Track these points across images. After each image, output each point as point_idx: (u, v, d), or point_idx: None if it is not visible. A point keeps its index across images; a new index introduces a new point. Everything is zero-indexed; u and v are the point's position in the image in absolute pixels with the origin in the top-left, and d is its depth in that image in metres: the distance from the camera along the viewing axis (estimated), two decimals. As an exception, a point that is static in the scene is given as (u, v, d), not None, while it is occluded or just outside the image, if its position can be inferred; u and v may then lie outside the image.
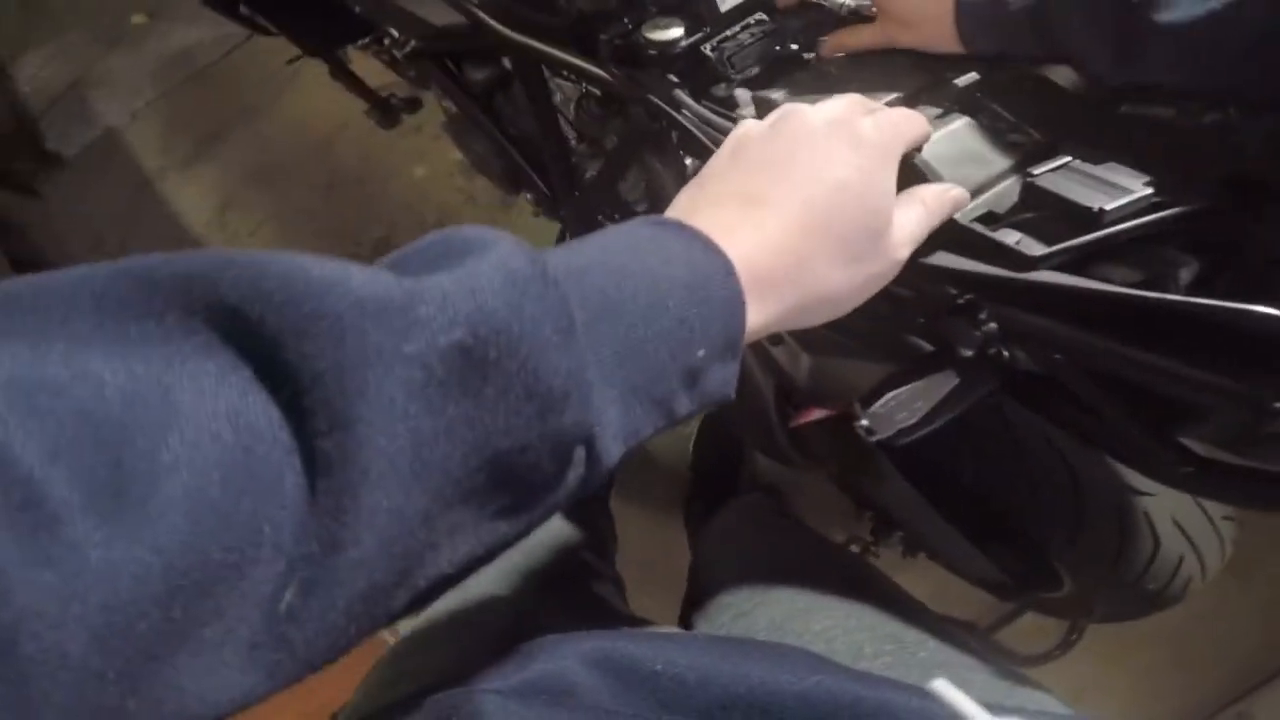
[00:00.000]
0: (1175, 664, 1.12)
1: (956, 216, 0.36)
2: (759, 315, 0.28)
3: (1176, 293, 0.33)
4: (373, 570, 0.17)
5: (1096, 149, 0.38)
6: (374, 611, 0.18)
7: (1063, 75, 0.42)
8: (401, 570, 0.18)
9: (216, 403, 0.15)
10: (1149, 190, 0.34)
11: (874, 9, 0.45)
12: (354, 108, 1.10)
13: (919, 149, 0.37)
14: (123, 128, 2.13)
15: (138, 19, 2.36)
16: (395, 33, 0.77)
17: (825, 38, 0.48)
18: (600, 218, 0.73)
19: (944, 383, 0.38)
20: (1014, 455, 0.58)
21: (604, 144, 0.66)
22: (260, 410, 0.16)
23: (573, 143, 0.71)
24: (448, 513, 0.19)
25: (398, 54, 0.77)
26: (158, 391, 0.15)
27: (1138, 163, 0.36)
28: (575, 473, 0.22)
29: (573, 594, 0.54)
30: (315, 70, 1.16)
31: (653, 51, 0.49)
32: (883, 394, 0.38)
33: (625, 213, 0.74)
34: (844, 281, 0.30)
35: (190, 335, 0.16)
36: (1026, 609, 0.99)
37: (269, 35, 0.99)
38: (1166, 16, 0.31)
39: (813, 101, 0.35)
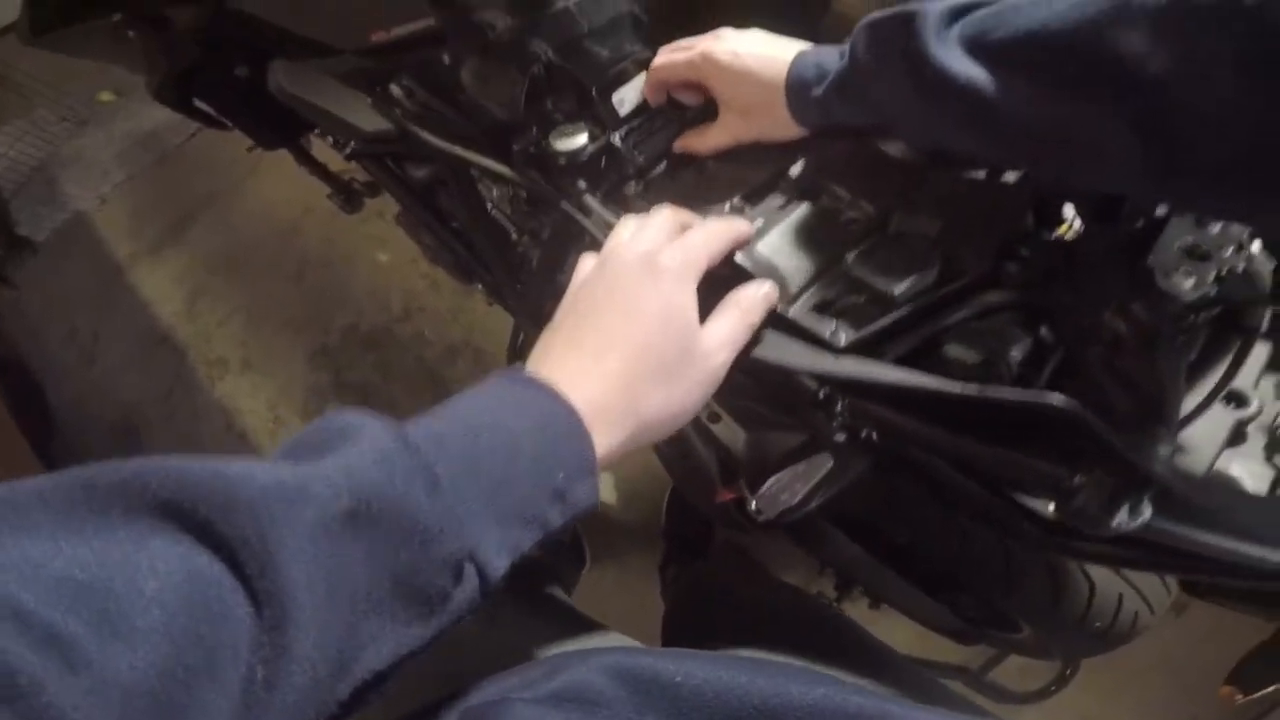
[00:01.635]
0: (1177, 693, 1.13)
1: (789, 311, 0.43)
2: (606, 440, 0.35)
3: (1008, 372, 0.38)
4: (315, 667, 0.23)
5: (917, 216, 0.45)
6: (324, 698, 0.24)
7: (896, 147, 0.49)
8: (338, 667, 0.25)
9: (170, 560, 0.21)
10: (936, 266, 0.40)
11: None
12: (317, 191, 1.17)
13: (742, 246, 0.44)
14: (91, 211, 2.21)
15: (105, 96, 2.47)
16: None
17: (680, 141, 0.55)
18: (545, 307, 0.78)
19: (820, 465, 0.44)
20: (940, 512, 0.62)
21: (541, 235, 0.72)
22: (206, 563, 0.22)
23: (513, 235, 0.77)
24: (365, 622, 0.25)
25: (340, 154, 0.84)
26: (121, 556, 0.20)
27: (945, 228, 0.43)
28: (470, 584, 0.29)
29: (524, 589, 0.61)
30: (277, 154, 1.23)
31: (561, 161, 0.55)
32: (766, 478, 0.44)
33: None
34: (670, 398, 0.37)
35: (135, 521, 0.22)
36: (1007, 650, 1.02)
37: (224, 130, 1.05)
38: (944, 61, 0.37)
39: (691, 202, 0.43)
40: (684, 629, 0.76)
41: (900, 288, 0.40)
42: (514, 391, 0.34)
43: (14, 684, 0.16)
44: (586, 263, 0.44)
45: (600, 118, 0.55)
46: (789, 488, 0.47)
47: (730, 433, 0.61)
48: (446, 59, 0.58)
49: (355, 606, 0.25)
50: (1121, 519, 0.33)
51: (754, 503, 0.48)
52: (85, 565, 0.20)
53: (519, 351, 1.21)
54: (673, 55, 0.52)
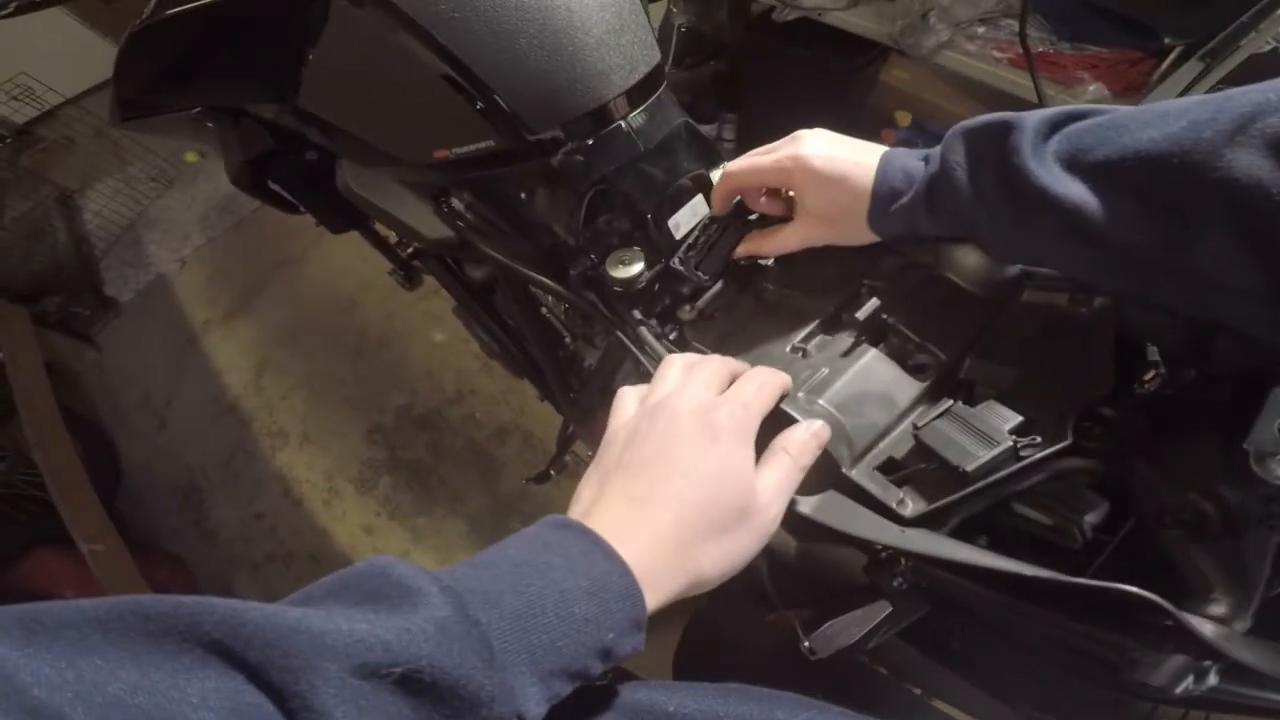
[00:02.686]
0: None
1: (853, 472, 0.41)
2: (657, 598, 0.34)
3: (1081, 536, 0.36)
4: None
5: (991, 364, 0.43)
6: None
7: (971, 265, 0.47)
8: None
9: (220, 696, 0.22)
10: (1010, 441, 0.38)
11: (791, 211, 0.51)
12: (378, 266, 1.21)
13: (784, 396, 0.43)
14: (171, 274, 2.38)
15: (191, 156, 2.70)
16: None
17: (749, 242, 0.55)
18: (599, 412, 0.78)
19: (878, 611, 0.42)
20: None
21: (594, 341, 0.72)
22: (255, 698, 0.23)
23: (566, 339, 0.77)
24: None
25: (401, 253, 0.88)
26: (172, 686, 0.21)
27: (1022, 379, 0.41)
28: None
29: None
30: (340, 226, 1.31)
31: (617, 288, 0.55)
32: (822, 622, 0.42)
33: None
34: (719, 555, 0.37)
35: (187, 653, 0.23)
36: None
37: (296, 213, 1.12)
38: (1044, 178, 0.36)
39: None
40: (693, 668, 0.75)
41: (973, 464, 0.38)
42: (567, 545, 0.34)
43: None
44: (628, 401, 0.44)
45: (655, 242, 0.56)
46: (845, 631, 0.45)
47: (782, 540, 0.59)
48: (507, 179, 0.59)
49: None
50: (1186, 686, 0.31)
51: (807, 642, 0.46)
52: (137, 690, 0.21)
53: (569, 440, 1.21)
54: (756, 159, 0.51)
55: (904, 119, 1.64)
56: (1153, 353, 0.40)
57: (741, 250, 0.55)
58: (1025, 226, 0.38)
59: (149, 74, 0.61)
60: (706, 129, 1.89)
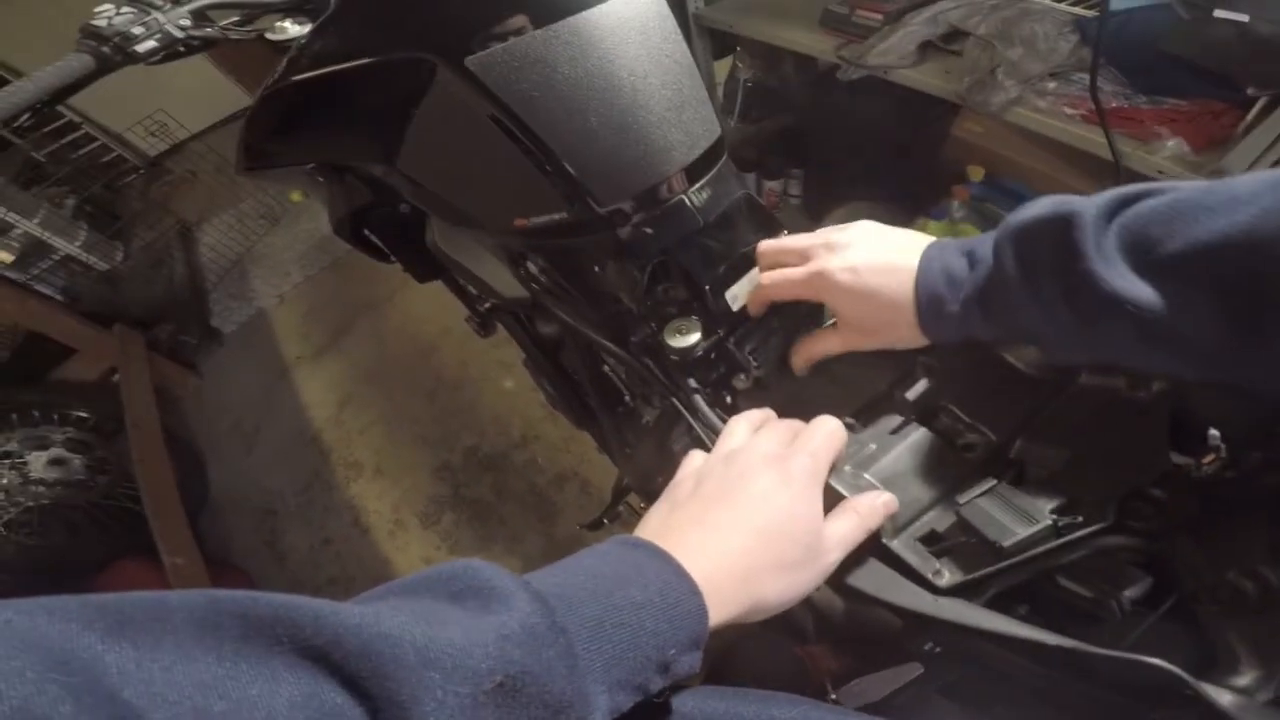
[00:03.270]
0: None
1: (893, 542, 0.42)
2: (717, 616, 0.35)
3: (1120, 610, 0.37)
4: None
5: (1042, 446, 0.43)
6: None
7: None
8: None
9: (312, 702, 0.22)
10: (1051, 519, 0.39)
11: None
12: (456, 312, 1.29)
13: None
14: (271, 309, 2.58)
15: (296, 196, 2.92)
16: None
17: (795, 348, 0.55)
18: (653, 469, 0.81)
19: (909, 671, 0.43)
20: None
21: (651, 401, 0.75)
22: (348, 706, 0.23)
23: (626, 397, 0.81)
24: None
25: (479, 306, 0.94)
26: (260, 693, 0.21)
27: (1072, 462, 0.42)
28: None
29: None
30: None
31: (674, 356, 0.58)
32: (851, 679, 0.44)
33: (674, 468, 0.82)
34: (783, 587, 0.38)
35: (279, 656, 0.23)
36: None
37: (389, 263, 1.21)
38: (1114, 282, 0.34)
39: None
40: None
41: (1010, 540, 0.39)
42: (640, 561, 0.35)
43: None
44: (695, 458, 0.46)
45: (713, 313, 0.58)
46: (873, 688, 0.46)
47: (829, 601, 0.59)
48: (577, 247, 0.64)
49: None
50: None
51: (834, 694, 0.47)
52: (224, 695, 0.21)
53: (623, 491, 1.23)
54: (783, 273, 0.51)
55: (976, 174, 1.61)
56: (1214, 438, 0.38)
57: (797, 365, 0.56)
58: (1096, 332, 0.36)
59: (272, 131, 0.68)
60: (773, 185, 1.92)
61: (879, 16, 1.36)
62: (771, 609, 0.39)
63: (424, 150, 0.65)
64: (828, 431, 0.45)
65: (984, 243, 0.41)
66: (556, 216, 0.59)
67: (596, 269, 0.63)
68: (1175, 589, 0.38)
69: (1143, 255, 0.33)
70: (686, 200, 0.59)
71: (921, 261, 0.44)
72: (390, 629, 0.25)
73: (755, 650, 0.79)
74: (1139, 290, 0.33)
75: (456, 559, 0.31)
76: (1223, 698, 0.31)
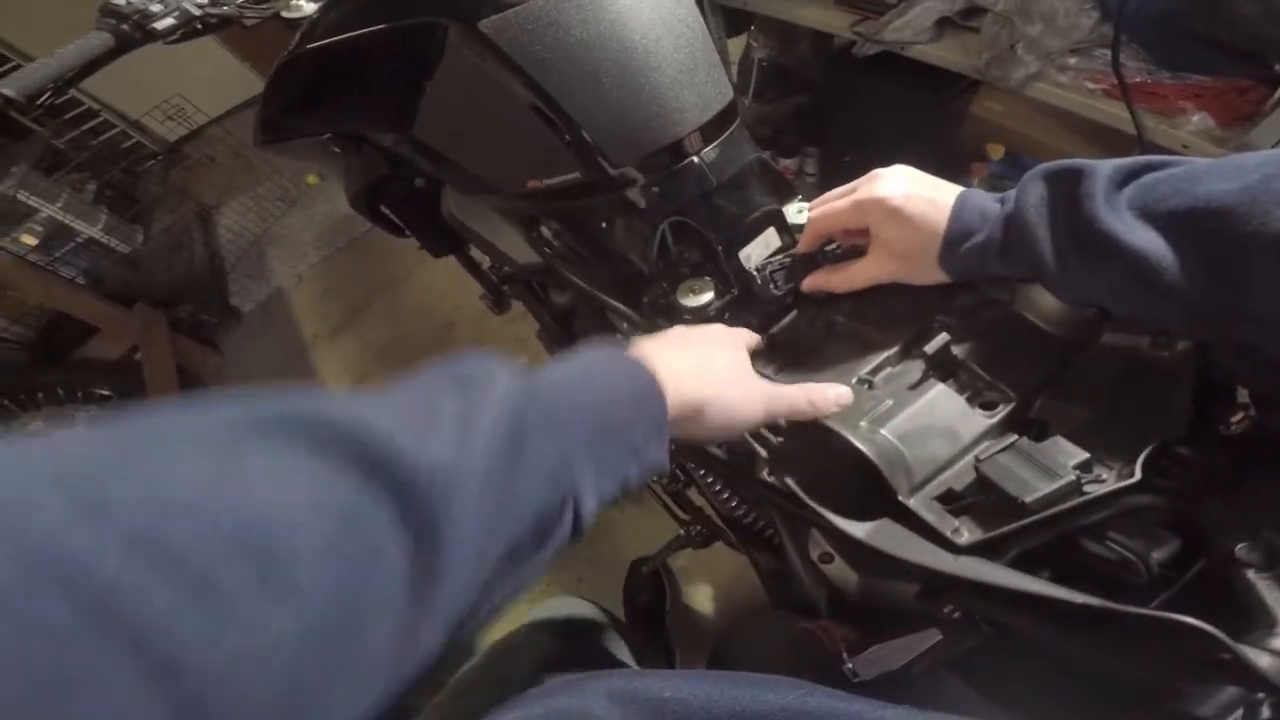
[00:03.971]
0: None
1: (910, 500, 0.42)
2: (673, 406, 0.41)
3: (1148, 573, 0.36)
4: (452, 621, 0.27)
5: (1065, 404, 0.43)
6: (474, 614, 0.29)
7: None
8: (469, 616, 0.29)
9: (335, 504, 0.23)
10: (1074, 475, 0.38)
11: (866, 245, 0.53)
12: (471, 290, 1.30)
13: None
14: (289, 289, 2.62)
15: (312, 179, 2.98)
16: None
17: (814, 275, 0.57)
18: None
19: (927, 638, 0.42)
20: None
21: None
22: (373, 504, 0.24)
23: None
24: (499, 575, 0.30)
25: (494, 276, 0.96)
26: (285, 499, 0.22)
27: (1094, 421, 0.41)
28: (565, 526, 0.33)
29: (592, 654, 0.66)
30: (441, 250, 1.42)
31: (687, 316, 0.59)
32: (868, 646, 0.44)
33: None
34: (724, 399, 0.45)
35: (306, 452, 0.23)
36: None
37: (404, 237, 1.23)
38: (1115, 225, 0.37)
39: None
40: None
41: (1032, 496, 0.38)
42: (619, 360, 0.42)
43: (169, 649, 0.18)
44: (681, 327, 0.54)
45: (726, 274, 0.59)
46: (891, 655, 0.45)
47: (843, 575, 0.60)
48: (590, 209, 0.65)
49: (496, 560, 0.29)
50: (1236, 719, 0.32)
51: (850, 663, 0.47)
52: (251, 503, 0.21)
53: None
54: (834, 203, 0.54)
55: (996, 151, 1.60)
56: (1242, 395, 0.39)
57: (809, 283, 0.57)
58: (1092, 271, 0.39)
59: (289, 102, 0.70)
60: (788, 163, 1.91)
61: (896, -8, 1.35)
62: (714, 417, 0.44)
63: (438, 115, 0.66)
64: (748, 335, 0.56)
65: (1013, 190, 0.44)
66: (570, 177, 0.60)
67: (609, 230, 0.64)
68: (1204, 553, 0.37)
69: (1147, 208, 0.37)
70: (699, 161, 0.60)
71: (960, 196, 0.48)
72: (406, 441, 0.26)
73: (756, 632, 0.80)
74: (1135, 234, 0.36)
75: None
76: (1261, 660, 0.29)
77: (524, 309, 1.73)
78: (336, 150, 0.87)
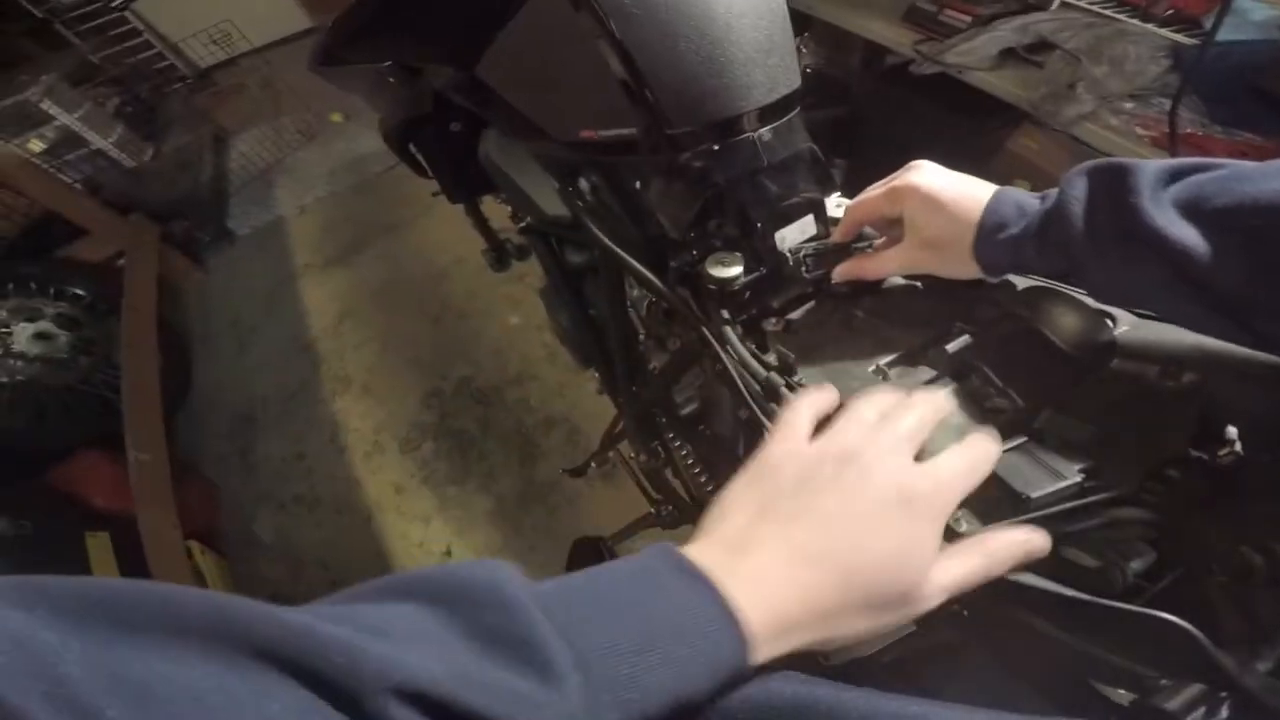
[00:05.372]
0: None
1: None
2: (771, 653, 0.32)
3: (1123, 581, 0.38)
4: None
5: (1069, 418, 0.45)
6: None
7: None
8: None
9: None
10: (1079, 478, 0.40)
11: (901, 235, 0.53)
12: (473, 243, 1.31)
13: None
14: (290, 218, 2.61)
15: (336, 117, 3.01)
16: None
17: (847, 264, 0.57)
18: (656, 413, 0.82)
19: (903, 627, 0.42)
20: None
21: (667, 343, 0.77)
22: None
23: (641, 336, 0.82)
24: None
25: (515, 223, 0.96)
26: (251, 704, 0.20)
27: (1097, 436, 0.43)
28: None
29: None
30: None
31: (712, 286, 0.59)
32: None
33: (673, 415, 0.85)
34: (861, 629, 0.34)
35: (268, 672, 0.21)
36: None
37: (426, 178, 1.24)
38: (1159, 221, 0.37)
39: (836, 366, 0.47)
40: None
41: (1038, 492, 0.40)
42: (691, 604, 0.31)
43: None
44: (802, 417, 0.41)
45: (758, 251, 0.60)
46: (866, 642, 0.46)
47: None
48: (636, 167, 0.65)
49: None
50: (1197, 718, 0.33)
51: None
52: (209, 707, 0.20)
53: (615, 439, 1.25)
54: (871, 191, 0.54)
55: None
56: (1231, 433, 0.40)
57: (841, 270, 0.57)
58: (1131, 267, 0.39)
59: (360, 28, 0.70)
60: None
61: (968, 18, 1.37)
62: (832, 647, 0.34)
63: (506, 55, 0.67)
64: (973, 459, 0.38)
65: (1055, 189, 0.44)
66: (625, 132, 0.61)
67: (648, 192, 0.64)
68: (1176, 566, 0.40)
69: (1193, 207, 0.37)
70: (754, 139, 0.61)
71: (998, 190, 0.48)
72: (381, 655, 0.23)
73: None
74: (1180, 231, 0.36)
75: (477, 565, 0.28)
76: (1226, 659, 0.32)
77: (520, 272, 1.75)
78: (390, 80, 0.87)
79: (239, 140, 2.94)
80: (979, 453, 0.38)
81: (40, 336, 1.86)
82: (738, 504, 0.37)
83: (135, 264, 2.11)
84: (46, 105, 2.18)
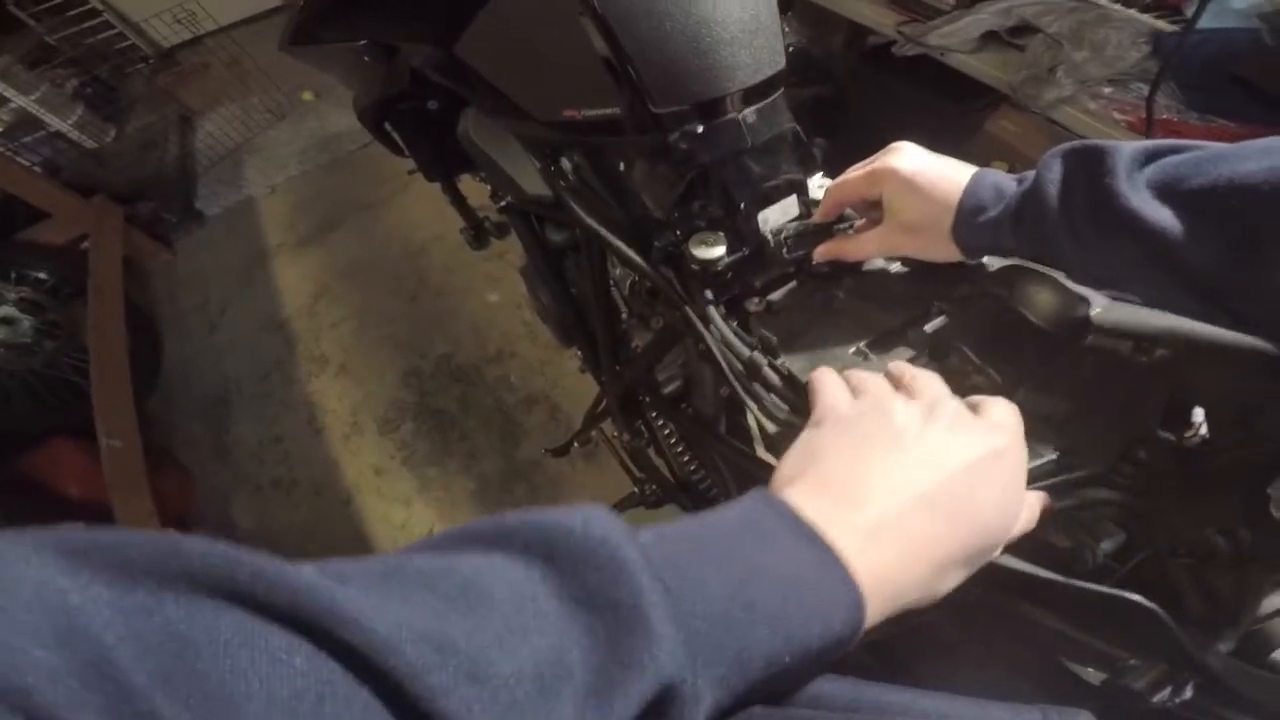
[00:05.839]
0: None
1: None
2: (882, 612, 0.31)
3: (1093, 561, 0.40)
4: None
5: (1045, 395, 0.46)
6: None
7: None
8: None
9: (296, 679, 0.20)
10: (1054, 454, 0.42)
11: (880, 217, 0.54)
12: (451, 221, 1.30)
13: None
14: (261, 198, 2.56)
15: (307, 95, 2.96)
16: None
17: (827, 244, 0.58)
18: (639, 392, 0.83)
19: None
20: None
21: (650, 322, 0.78)
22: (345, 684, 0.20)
23: (624, 315, 0.83)
24: None
25: (495, 202, 0.96)
26: (239, 639, 0.19)
27: (1072, 414, 0.45)
28: None
29: None
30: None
31: (696, 266, 0.60)
32: None
33: (656, 394, 0.85)
34: (950, 586, 0.34)
35: (262, 614, 0.21)
36: None
37: (402, 156, 1.22)
38: (1134, 202, 0.38)
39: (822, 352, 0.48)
40: None
41: None
42: (805, 566, 0.30)
43: None
44: (880, 387, 0.41)
45: (741, 232, 0.61)
46: None
47: None
48: (619, 148, 0.65)
49: None
50: (1163, 697, 0.35)
51: None
52: (198, 640, 0.19)
53: (597, 418, 1.26)
54: (851, 172, 0.55)
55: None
56: (1197, 415, 0.42)
57: (821, 251, 0.58)
58: (1107, 248, 0.40)
59: (334, 6, 0.69)
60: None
61: (951, 1, 1.38)
62: (936, 600, 0.34)
63: (487, 34, 0.66)
64: (1014, 410, 0.39)
65: (1032, 170, 0.45)
66: (608, 112, 0.61)
67: (632, 172, 0.64)
68: (1144, 548, 0.41)
69: (1168, 187, 0.37)
70: (738, 119, 0.61)
71: (977, 173, 0.49)
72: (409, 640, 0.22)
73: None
74: (1156, 212, 0.37)
75: (583, 509, 0.27)
76: (1190, 642, 0.33)
77: (499, 249, 1.74)
78: (365, 59, 0.86)
79: (206, 120, 2.88)
80: (1012, 406, 0.40)
81: (2, 321, 1.81)
82: (832, 447, 0.36)
83: (100, 246, 2.06)
84: (1, 88, 2.16)
